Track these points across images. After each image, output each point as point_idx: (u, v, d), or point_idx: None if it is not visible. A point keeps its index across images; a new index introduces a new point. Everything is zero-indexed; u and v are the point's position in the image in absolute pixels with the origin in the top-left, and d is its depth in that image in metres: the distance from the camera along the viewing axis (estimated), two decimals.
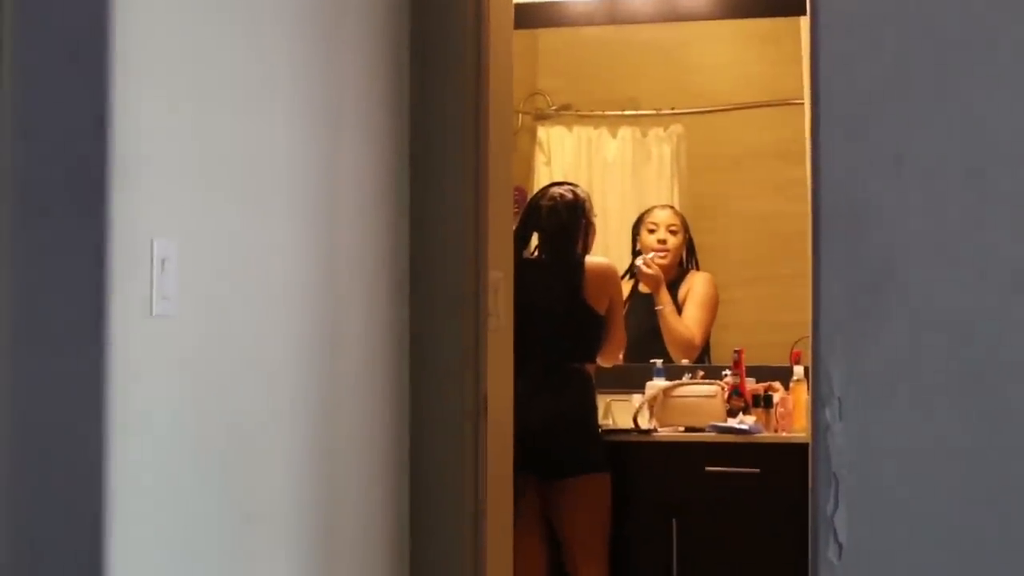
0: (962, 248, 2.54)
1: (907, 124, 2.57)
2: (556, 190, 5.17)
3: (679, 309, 5.59)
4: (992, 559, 2.53)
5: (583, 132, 6.15)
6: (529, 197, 5.36)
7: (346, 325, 3.37)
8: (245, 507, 2.88)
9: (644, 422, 5.22)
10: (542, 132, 6.16)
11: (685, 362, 5.51)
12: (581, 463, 4.95)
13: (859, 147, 2.58)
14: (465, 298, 3.78)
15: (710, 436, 5.08)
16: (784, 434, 5.08)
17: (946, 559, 2.54)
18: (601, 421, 5.18)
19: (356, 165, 3.44)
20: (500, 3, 3.96)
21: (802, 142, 4.68)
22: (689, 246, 5.73)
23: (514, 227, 4.57)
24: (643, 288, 5.64)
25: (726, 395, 5.20)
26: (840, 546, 2.56)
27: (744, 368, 5.24)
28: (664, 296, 5.54)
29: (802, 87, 5.17)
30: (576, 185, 5.24)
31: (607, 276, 5.12)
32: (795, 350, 5.17)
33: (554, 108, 6.15)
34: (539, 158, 6.15)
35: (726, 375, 5.28)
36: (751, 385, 5.25)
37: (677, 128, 6.06)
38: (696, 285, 5.66)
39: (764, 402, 5.17)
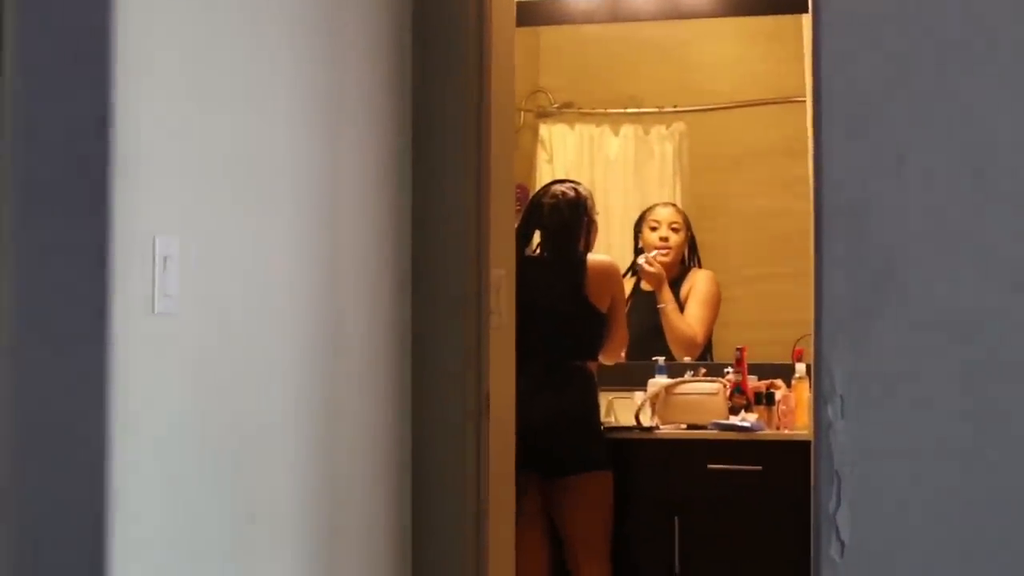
0: (963, 247, 2.54)
1: (909, 123, 2.57)
2: (558, 188, 5.17)
3: (681, 307, 5.59)
4: (993, 557, 2.53)
5: (585, 130, 6.15)
6: (531, 195, 5.36)
7: (348, 323, 3.37)
8: (248, 506, 2.89)
9: (646, 420, 5.22)
10: (544, 130, 6.16)
11: (687, 360, 5.51)
12: (583, 461, 4.95)
13: (861, 146, 2.58)
14: (467, 296, 3.78)
15: (712, 434, 5.08)
16: (786, 432, 5.08)
17: (947, 557, 2.54)
18: (603, 419, 5.18)
19: (358, 163, 3.44)
20: (502, 1, 3.96)
21: (804, 140, 4.69)
22: (691, 244, 5.74)
23: (516, 225, 4.57)
24: (645, 286, 5.64)
25: (728, 393, 5.20)
26: (842, 544, 2.56)
27: (746, 366, 5.24)
28: (666, 294, 5.54)
29: (804, 85, 5.17)
30: (578, 183, 5.24)
31: (609, 274, 5.12)
32: (797, 348, 5.17)
33: (556, 106, 6.14)
34: (541, 156, 6.15)
35: (728, 373, 5.28)
36: (753, 383, 5.25)
37: (679, 126, 6.06)
38: (698, 283, 5.66)
39: (766, 400, 5.17)
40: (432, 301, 3.74)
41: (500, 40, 3.91)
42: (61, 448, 2.42)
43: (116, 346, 2.41)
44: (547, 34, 6.12)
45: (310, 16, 3.18)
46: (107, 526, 2.39)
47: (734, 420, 5.10)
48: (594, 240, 5.17)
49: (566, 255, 5.07)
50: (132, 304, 2.46)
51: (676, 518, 5.01)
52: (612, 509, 4.98)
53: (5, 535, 2.43)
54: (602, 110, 6.13)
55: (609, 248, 5.65)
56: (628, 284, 5.51)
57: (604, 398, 5.23)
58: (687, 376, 5.34)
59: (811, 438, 2.69)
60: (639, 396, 5.31)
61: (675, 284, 5.62)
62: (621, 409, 5.41)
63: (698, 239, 5.76)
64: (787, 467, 4.84)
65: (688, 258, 5.73)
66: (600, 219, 5.28)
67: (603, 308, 5.07)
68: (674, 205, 5.84)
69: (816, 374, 2.62)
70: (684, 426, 5.17)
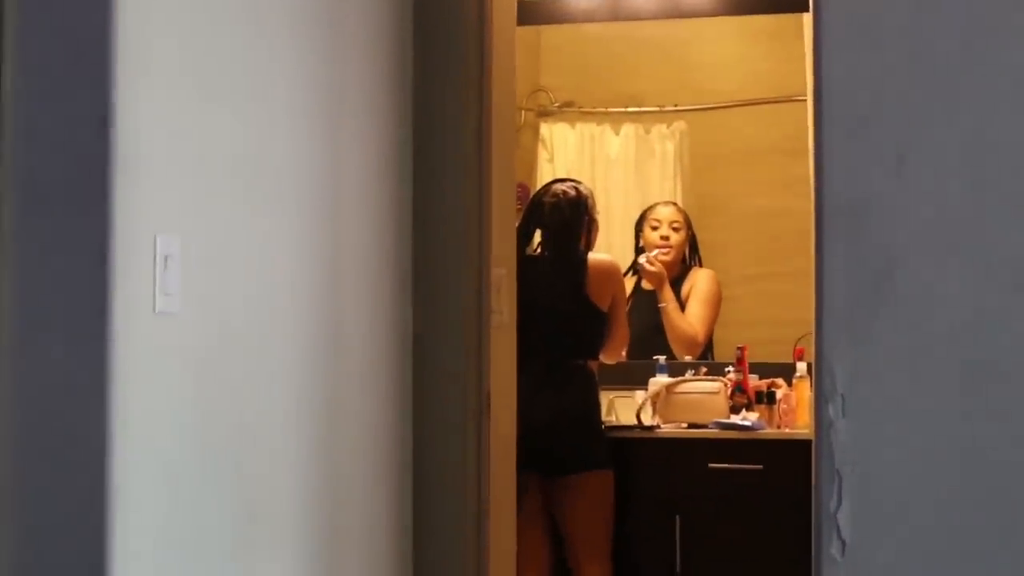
0: (964, 246, 2.54)
1: (909, 123, 2.57)
2: (559, 187, 5.17)
3: (682, 306, 5.59)
4: (994, 556, 2.53)
5: (586, 129, 6.15)
6: (532, 194, 5.36)
7: (349, 323, 3.37)
8: (249, 506, 2.88)
9: (647, 419, 5.23)
10: (545, 129, 6.16)
11: (688, 359, 5.51)
12: (584, 460, 4.96)
13: (861, 145, 2.58)
14: (468, 295, 3.77)
15: (713, 433, 5.08)
16: (787, 431, 5.09)
17: (948, 556, 2.54)
18: (604, 418, 5.18)
19: (359, 162, 3.44)
20: (503, 0, 3.96)
21: (805, 139, 4.69)
22: (692, 243, 5.74)
23: (517, 224, 4.57)
24: (646, 285, 5.64)
25: (729, 392, 5.20)
26: (843, 543, 2.56)
27: (747, 365, 5.24)
28: (667, 293, 5.54)
29: (805, 84, 5.17)
30: (579, 182, 5.24)
31: (610, 273, 5.12)
32: (798, 347, 5.18)
33: (557, 105, 6.15)
34: (542, 155, 6.16)
35: (729, 372, 5.28)
36: (754, 382, 5.25)
37: (680, 125, 6.06)
38: (699, 282, 5.66)
39: (767, 399, 5.18)
40: (433, 300, 3.74)
41: (501, 39, 3.91)
42: (61, 447, 2.42)
43: (117, 345, 2.41)
44: (548, 33, 6.12)
45: (311, 15, 3.18)
46: (108, 525, 2.39)
47: (735, 419, 5.10)
48: (595, 239, 5.17)
49: (567, 254, 5.08)
50: (133, 303, 2.46)
51: (677, 517, 5.01)
52: (613, 508, 4.98)
53: (6, 533, 2.43)
54: (603, 109, 6.13)
55: (610, 247, 5.65)
56: (629, 283, 5.51)
57: (605, 397, 5.24)
58: (688, 375, 5.34)
59: (812, 437, 2.69)
60: (640, 395, 5.31)
61: (676, 283, 5.62)
62: (622, 408, 5.41)
63: (699, 238, 5.76)
64: (788, 466, 4.84)
65: (689, 257, 5.73)
66: (601, 218, 5.28)
67: (604, 307, 5.07)
68: (675, 204, 5.84)
69: (817, 373, 2.62)
70: (685, 425, 5.17)
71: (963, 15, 2.56)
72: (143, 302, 2.49)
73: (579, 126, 6.15)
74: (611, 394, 5.38)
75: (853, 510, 2.55)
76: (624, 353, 5.26)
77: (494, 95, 3.84)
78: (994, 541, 2.53)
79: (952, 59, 2.56)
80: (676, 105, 6.05)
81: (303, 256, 3.15)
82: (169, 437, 2.59)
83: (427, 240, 3.74)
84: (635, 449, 5.09)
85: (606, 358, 5.15)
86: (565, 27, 6.09)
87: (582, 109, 6.14)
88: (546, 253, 5.11)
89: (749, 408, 5.17)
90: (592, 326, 5.07)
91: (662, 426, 5.20)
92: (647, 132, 6.10)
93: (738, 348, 5.27)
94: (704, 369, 5.40)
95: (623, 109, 6.11)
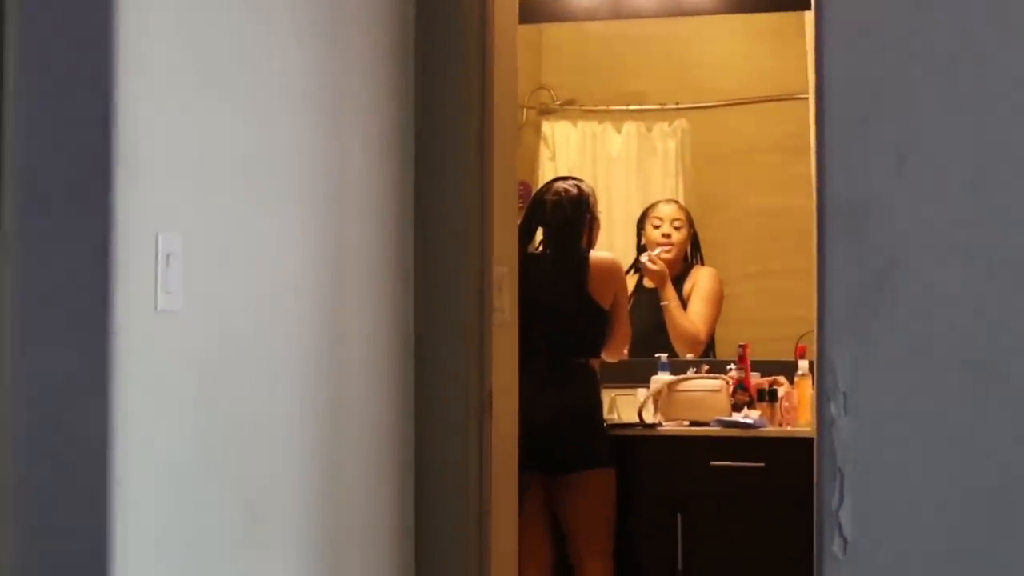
0: (965, 245, 2.55)
1: (910, 121, 2.57)
2: (560, 185, 5.17)
3: (684, 304, 5.59)
4: (996, 554, 2.53)
5: (587, 127, 6.15)
6: (534, 192, 5.36)
7: (351, 322, 3.37)
8: (251, 504, 2.88)
9: (649, 417, 5.23)
10: (547, 127, 6.16)
11: (690, 357, 5.51)
12: (586, 458, 4.96)
13: (862, 144, 2.58)
14: (470, 294, 3.77)
15: (715, 431, 5.08)
16: (789, 428, 5.08)
17: (950, 554, 2.54)
18: (606, 416, 5.19)
19: (360, 161, 3.44)
20: None
21: (806, 137, 4.68)
22: (694, 241, 5.74)
23: (518, 222, 4.57)
24: (648, 283, 5.64)
25: (731, 389, 5.20)
26: (845, 540, 2.56)
27: (749, 362, 5.24)
28: (669, 291, 5.55)
29: (807, 82, 5.17)
30: (580, 180, 5.24)
31: (611, 271, 5.12)
32: (800, 345, 5.18)
33: (559, 103, 6.15)
34: (543, 153, 6.15)
35: (731, 370, 5.28)
36: (756, 379, 5.25)
37: (682, 123, 6.06)
38: (701, 280, 5.66)
39: (769, 396, 5.18)
40: (434, 299, 3.74)
41: (503, 38, 3.91)
42: (63, 445, 2.42)
43: (118, 343, 2.41)
44: (550, 31, 6.12)
45: (312, 13, 3.18)
46: (109, 523, 2.39)
47: (737, 417, 5.10)
48: (596, 237, 5.17)
49: (568, 252, 5.07)
50: (134, 301, 2.46)
51: (679, 515, 5.01)
52: (615, 506, 4.98)
53: (8, 532, 2.43)
54: (605, 107, 6.13)
55: (611, 245, 5.65)
56: (631, 281, 5.51)
57: (607, 395, 5.24)
58: (690, 373, 5.34)
59: (814, 435, 2.70)
60: (642, 393, 5.31)
61: (678, 281, 5.62)
62: (624, 406, 5.41)
63: (700, 236, 5.76)
64: (790, 464, 4.84)
65: (691, 255, 5.73)
66: (602, 216, 5.29)
67: (606, 305, 5.07)
68: (676, 202, 5.84)
69: (819, 371, 2.62)
70: (687, 423, 5.17)
71: (964, 15, 2.56)
72: (145, 300, 2.50)
73: (581, 124, 6.15)
74: (613, 392, 5.38)
75: (855, 508, 2.55)
76: (626, 351, 5.26)
77: (496, 93, 3.84)
78: (995, 538, 2.53)
79: (953, 59, 2.56)
80: (678, 103, 6.05)
81: (305, 254, 3.15)
82: (170, 435, 2.59)
83: (429, 238, 3.74)
84: (637, 447, 5.09)
85: (608, 356, 5.15)
86: (567, 25, 6.09)
87: (584, 107, 6.14)
88: (548, 251, 5.11)
89: (751, 406, 5.17)
90: (594, 324, 5.07)
91: (664, 424, 5.20)
92: (649, 130, 6.10)
93: (740, 346, 5.27)
94: (706, 367, 5.40)
95: (625, 107, 6.11)
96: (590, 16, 6.04)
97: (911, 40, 2.57)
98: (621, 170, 6.12)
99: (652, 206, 5.79)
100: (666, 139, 6.08)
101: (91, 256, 2.41)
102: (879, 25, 2.58)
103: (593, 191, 5.20)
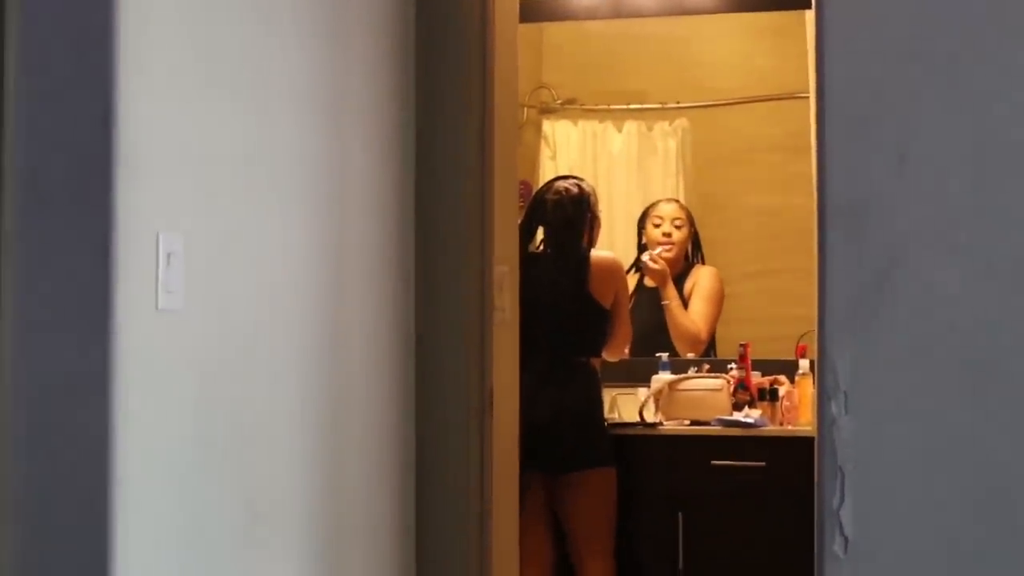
0: (966, 242, 2.55)
1: (911, 121, 2.57)
2: (561, 184, 5.17)
3: (685, 303, 5.59)
4: (997, 553, 2.53)
5: (588, 126, 6.15)
6: (534, 191, 5.36)
7: (352, 321, 3.37)
8: (252, 503, 2.88)
9: (650, 416, 5.23)
10: (547, 126, 6.16)
11: (691, 356, 5.51)
12: (587, 457, 4.95)
13: (863, 144, 2.58)
14: (470, 293, 3.77)
15: (716, 430, 5.08)
16: (790, 428, 5.08)
17: (951, 553, 2.54)
18: (607, 415, 5.18)
19: (361, 160, 3.44)
20: None
21: (807, 136, 4.68)
22: (694, 240, 5.74)
23: (519, 221, 4.57)
24: (649, 282, 5.64)
25: (732, 389, 5.20)
26: (846, 539, 2.56)
27: (750, 362, 5.24)
28: (670, 291, 5.54)
29: (807, 81, 5.17)
30: (581, 179, 5.24)
31: (612, 270, 5.12)
32: (801, 344, 5.17)
33: (559, 102, 6.14)
34: (544, 152, 6.15)
35: (731, 369, 5.28)
36: (757, 379, 5.25)
37: (682, 122, 6.06)
38: (702, 279, 5.66)
39: (770, 396, 5.18)
40: (435, 298, 3.74)
41: (503, 37, 3.91)
42: (64, 444, 2.42)
43: (119, 342, 2.41)
44: (550, 30, 6.12)
45: (313, 13, 3.18)
46: (110, 522, 2.39)
47: (738, 416, 5.10)
48: (597, 236, 5.17)
49: (569, 251, 5.07)
50: (135, 300, 2.46)
51: (680, 514, 5.01)
52: (616, 505, 4.98)
53: (9, 531, 2.43)
54: (605, 106, 6.13)
55: (612, 244, 5.65)
56: (632, 280, 5.51)
57: (608, 394, 5.23)
58: (691, 372, 5.34)
59: (815, 434, 2.70)
60: (643, 392, 5.31)
61: (678, 280, 5.62)
62: (625, 405, 5.41)
63: (701, 235, 5.76)
64: (791, 463, 4.84)
65: (691, 254, 5.73)
66: (603, 215, 5.28)
67: (606, 304, 5.07)
68: (677, 201, 5.84)
69: (820, 370, 2.62)
70: (688, 422, 5.17)
71: (965, 14, 2.56)
72: (145, 299, 2.50)
73: (581, 123, 6.15)
74: (614, 391, 5.38)
75: (856, 507, 2.55)
76: (627, 350, 5.26)
77: (496, 93, 3.84)
78: (995, 537, 2.53)
79: (954, 58, 2.56)
80: (678, 102, 6.05)
81: (306, 253, 3.15)
82: (171, 434, 2.59)
83: (429, 237, 3.74)
84: (638, 446, 5.09)
85: (609, 355, 5.15)
86: (567, 24, 6.09)
87: (584, 106, 6.14)
88: (548, 250, 5.11)
89: (752, 405, 5.17)
90: (595, 323, 5.07)
91: (665, 423, 5.20)
92: (649, 129, 6.09)
93: (741, 345, 5.27)
94: (707, 366, 5.40)
95: (625, 106, 6.10)
96: (591, 15, 6.04)
97: (912, 40, 2.57)
98: (622, 169, 6.12)
99: (653, 205, 5.79)
100: (667, 138, 6.07)
101: (92, 255, 2.41)
102: (880, 24, 2.58)
103: (594, 190, 5.20)
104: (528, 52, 5.65)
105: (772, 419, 5.13)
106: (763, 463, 4.96)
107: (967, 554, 2.54)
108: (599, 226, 5.18)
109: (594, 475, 4.95)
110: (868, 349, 2.56)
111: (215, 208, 2.75)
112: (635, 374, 5.39)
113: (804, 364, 5.13)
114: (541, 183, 5.50)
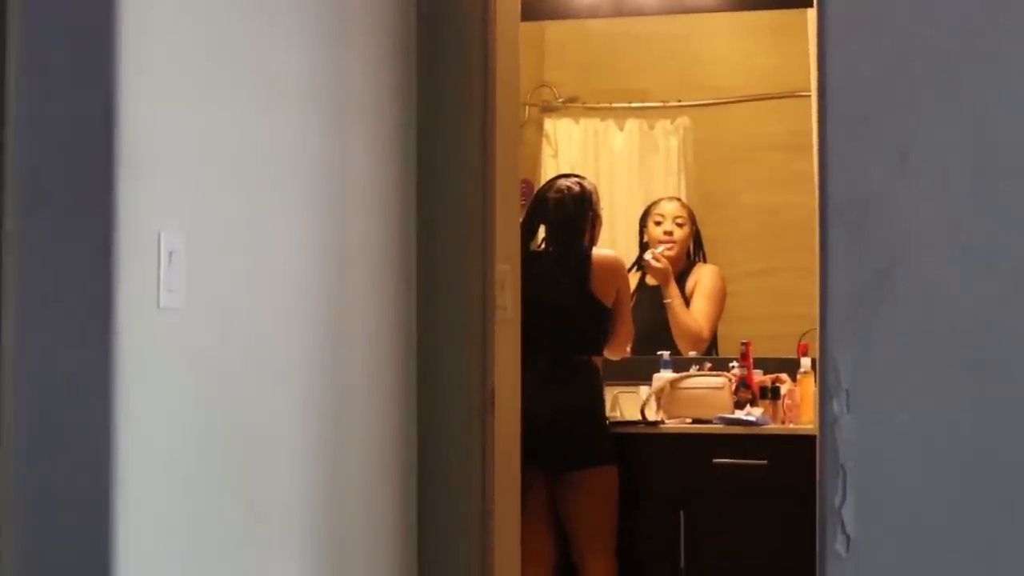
0: (968, 241, 2.55)
1: (912, 120, 2.57)
2: (563, 182, 5.17)
3: (686, 301, 5.59)
4: (998, 552, 2.53)
5: (590, 124, 6.15)
6: (536, 189, 5.36)
7: (353, 320, 3.37)
8: (253, 503, 2.88)
9: (651, 414, 5.23)
10: (549, 124, 6.16)
11: (692, 354, 5.51)
12: (588, 456, 4.95)
13: (864, 143, 2.58)
14: (472, 292, 3.77)
15: (717, 428, 5.08)
16: (791, 426, 5.08)
17: (952, 551, 2.54)
18: (608, 413, 5.19)
19: (363, 159, 3.44)
20: None
21: (809, 134, 4.69)
22: (696, 238, 5.74)
23: (521, 220, 4.57)
24: (650, 280, 5.64)
25: (733, 387, 5.20)
26: (848, 538, 2.56)
27: (751, 360, 5.24)
28: (672, 289, 5.54)
29: (809, 79, 5.17)
30: (583, 177, 5.24)
31: (614, 268, 5.12)
32: (802, 342, 5.17)
33: (561, 100, 6.14)
34: (546, 150, 6.15)
35: (733, 367, 5.28)
36: (758, 377, 5.25)
37: (684, 120, 6.06)
38: (703, 278, 5.66)
39: (771, 394, 5.18)
40: (437, 297, 3.74)
41: (504, 36, 3.91)
42: (65, 443, 2.42)
43: (121, 341, 2.41)
44: (552, 29, 6.12)
45: (316, 13, 3.18)
46: (111, 522, 2.39)
47: (739, 414, 5.10)
48: (599, 235, 5.17)
49: (571, 250, 5.07)
50: (137, 299, 2.46)
51: (681, 512, 5.01)
52: (617, 504, 4.98)
53: (10, 531, 2.43)
54: (607, 105, 6.12)
55: (614, 243, 5.65)
56: (633, 279, 5.51)
57: (609, 392, 5.24)
58: (692, 370, 5.34)
59: (816, 432, 2.69)
60: (644, 390, 5.31)
61: (680, 279, 5.62)
62: (626, 403, 5.41)
63: (703, 233, 5.76)
64: (792, 461, 4.84)
65: (693, 252, 5.73)
66: (605, 214, 5.28)
67: (608, 303, 5.07)
68: (679, 199, 5.84)
69: (821, 368, 2.62)
70: (689, 420, 5.17)
71: (966, 13, 2.55)
72: (147, 298, 2.49)
73: (583, 122, 6.15)
74: (615, 389, 5.38)
75: (857, 505, 2.55)
76: (628, 349, 5.26)
77: (498, 92, 3.84)
78: (996, 536, 2.53)
79: (955, 57, 2.56)
80: (680, 101, 6.05)
81: (308, 252, 3.15)
82: (173, 434, 2.59)
83: (431, 236, 3.74)
84: (639, 445, 5.09)
85: (610, 354, 5.15)
86: (569, 23, 6.09)
87: (586, 105, 6.14)
88: (550, 249, 5.11)
89: (753, 403, 5.17)
90: (596, 322, 5.07)
91: (666, 421, 5.20)
92: (651, 128, 6.09)
93: (742, 343, 5.27)
94: (708, 364, 5.40)
95: (627, 105, 6.10)
96: (592, 14, 6.05)
97: (913, 38, 2.57)
98: (623, 167, 6.12)
99: (654, 203, 5.79)
100: (668, 136, 6.07)
101: (93, 255, 2.41)
102: (881, 23, 2.58)
103: (595, 188, 5.20)
104: (530, 51, 5.65)
105: (774, 417, 5.13)
106: (765, 461, 4.96)
107: (968, 552, 2.54)
108: (601, 224, 5.18)
109: (596, 474, 4.95)
110: (869, 347, 2.56)
111: (217, 207, 2.75)
112: (637, 372, 5.39)
113: (806, 362, 5.13)
114: (543, 181, 5.50)
